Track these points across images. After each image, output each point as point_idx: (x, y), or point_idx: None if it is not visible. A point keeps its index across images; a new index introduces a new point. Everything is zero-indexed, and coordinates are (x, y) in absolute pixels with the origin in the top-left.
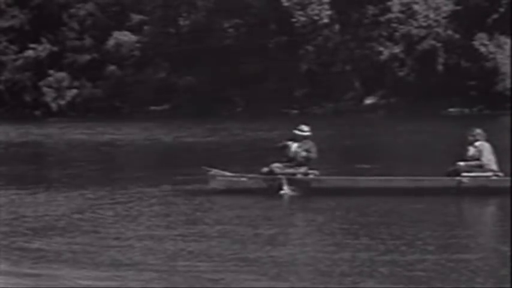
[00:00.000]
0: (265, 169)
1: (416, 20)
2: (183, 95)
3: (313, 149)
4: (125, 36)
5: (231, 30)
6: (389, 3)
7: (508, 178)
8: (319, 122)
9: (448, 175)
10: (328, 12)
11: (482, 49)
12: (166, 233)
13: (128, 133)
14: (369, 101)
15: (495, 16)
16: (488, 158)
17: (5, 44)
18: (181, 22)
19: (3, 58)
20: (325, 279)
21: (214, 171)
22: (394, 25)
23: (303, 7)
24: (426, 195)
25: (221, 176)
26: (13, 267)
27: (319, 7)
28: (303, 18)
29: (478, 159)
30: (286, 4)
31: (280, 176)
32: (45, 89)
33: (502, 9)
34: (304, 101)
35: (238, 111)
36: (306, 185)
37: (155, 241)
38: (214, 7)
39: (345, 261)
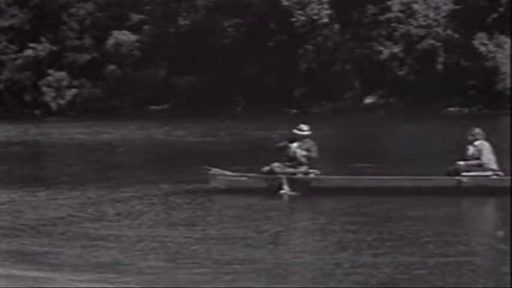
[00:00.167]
0: (265, 168)
1: (416, 19)
2: (182, 95)
3: (314, 149)
4: (124, 36)
5: (230, 29)
6: (389, 2)
7: (508, 177)
8: (319, 122)
9: (448, 174)
10: (328, 12)
11: (482, 48)
12: (168, 233)
13: (127, 133)
14: (368, 100)
15: (495, 15)
16: (488, 157)
17: (4, 43)
18: (181, 22)
19: (3, 57)
20: (327, 279)
21: (214, 170)
22: (394, 24)
23: (303, 6)
24: (426, 194)
25: (222, 176)
26: (12, 268)
27: (319, 6)
28: (302, 18)
29: (477, 159)
30: (285, 3)
31: (280, 176)
32: (44, 89)
33: (501, 9)
34: (303, 101)
35: (238, 111)
36: (306, 185)
37: (156, 241)
38: (213, 7)
39: (347, 261)
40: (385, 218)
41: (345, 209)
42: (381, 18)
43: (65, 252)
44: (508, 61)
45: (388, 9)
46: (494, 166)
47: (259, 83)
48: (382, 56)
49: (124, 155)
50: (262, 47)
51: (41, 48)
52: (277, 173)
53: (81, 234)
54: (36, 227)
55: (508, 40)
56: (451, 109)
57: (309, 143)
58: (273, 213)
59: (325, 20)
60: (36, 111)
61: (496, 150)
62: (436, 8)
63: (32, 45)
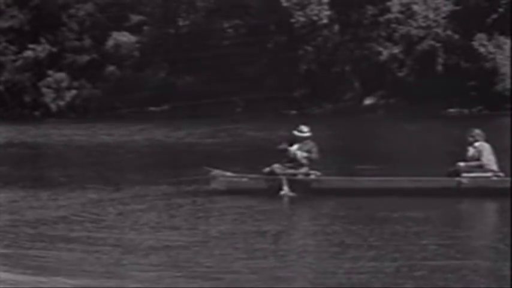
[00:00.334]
0: (266, 169)
1: (415, 20)
2: (182, 96)
3: (314, 150)
4: (124, 37)
5: (230, 30)
6: (388, 3)
7: (508, 178)
8: (319, 123)
9: (449, 175)
10: (328, 13)
11: (482, 49)
12: (169, 234)
13: (127, 134)
14: (368, 101)
15: (494, 16)
16: (488, 158)
17: (4, 44)
18: (181, 23)
19: (3, 59)
20: (329, 280)
21: (215, 171)
22: (394, 25)
23: (302, 7)
24: (426, 195)
25: (222, 177)
26: (12, 269)
27: (319, 7)
28: (302, 19)
29: (478, 160)
30: (285, 4)
31: (280, 177)
32: (44, 90)
33: (501, 10)
34: (303, 102)
35: (238, 112)
36: (307, 186)
37: (157, 242)
38: (213, 8)
39: (348, 262)
40: (386, 219)
41: (345, 210)
42: (381, 19)
43: (64, 255)
44: (507, 62)
45: (388, 10)
46: (494, 167)
47: (259, 84)
48: (382, 57)
49: (124, 156)
50: (261, 48)
51: (40, 49)
52: (277, 174)
53: (82, 235)
54: (35, 228)
55: (507, 41)
56: (450, 110)
57: (310, 144)
58: (273, 214)
59: (325, 21)
60: (36, 113)
61: (496, 151)
62: (436, 9)
63: (31, 46)
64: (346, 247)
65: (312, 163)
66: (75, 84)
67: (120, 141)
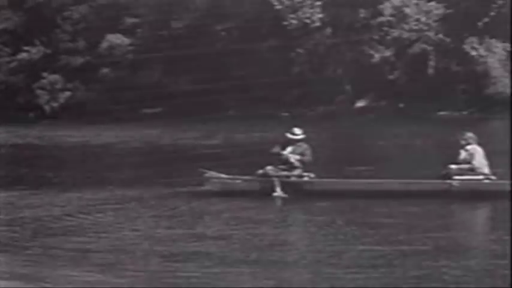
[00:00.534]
0: (260, 171)
1: (407, 23)
2: (175, 98)
3: (308, 152)
4: (118, 39)
5: (223, 33)
6: (380, 6)
7: (501, 181)
8: (311, 125)
9: (440, 178)
10: (320, 16)
11: (473, 53)
12: (163, 235)
13: (121, 135)
14: (360, 104)
15: (486, 20)
16: (480, 161)
17: None
18: (174, 25)
19: None
20: (324, 281)
21: (210, 173)
22: (385, 28)
23: (295, 10)
24: (417, 198)
25: (216, 178)
26: (11, 269)
27: (311, 10)
28: (294, 22)
29: (469, 163)
30: (278, 7)
31: (273, 178)
32: (38, 91)
33: (492, 13)
34: (295, 104)
35: (230, 114)
36: (299, 188)
37: (152, 242)
38: (206, 10)
39: (341, 263)
40: (377, 221)
41: (337, 212)
42: (373, 22)
43: (63, 254)
44: (498, 65)
45: (380, 14)
46: (486, 170)
47: (252, 86)
48: (374, 60)
49: (118, 157)
50: (254, 50)
51: (35, 51)
52: (270, 176)
53: (78, 236)
54: (33, 228)
55: (499, 44)
56: (442, 113)
57: (303, 147)
58: (266, 215)
59: (317, 23)
60: (30, 114)
61: (489, 154)
62: (428, 12)
63: (26, 48)
64: (340, 249)
65: (305, 165)
66: (69, 86)
67: (114, 142)
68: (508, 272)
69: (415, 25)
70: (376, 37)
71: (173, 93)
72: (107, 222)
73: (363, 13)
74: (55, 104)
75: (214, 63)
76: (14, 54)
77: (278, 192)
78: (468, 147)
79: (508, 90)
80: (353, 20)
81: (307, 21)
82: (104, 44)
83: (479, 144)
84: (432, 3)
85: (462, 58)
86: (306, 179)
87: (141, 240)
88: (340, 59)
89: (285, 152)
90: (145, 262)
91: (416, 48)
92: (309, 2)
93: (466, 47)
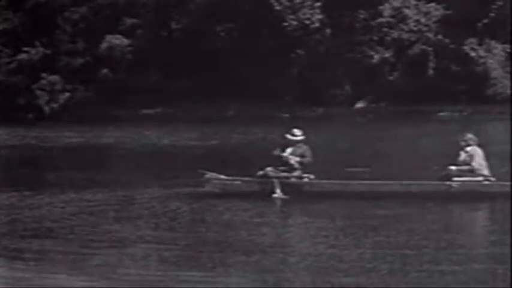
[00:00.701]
0: (260, 172)
1: (407, 24)
2: (175, 99)
3: (308, 153)
4: (117, 40)
5: (222, 34)
6: (380, 8)
7: (500, 183)
8: (310, 126)
9: (440, 179)
10: (320, 17)
11: (473, 54)
12: (165, 236)
13: (120, 136)
14: (359, 105)
15: (485, 21)
16: (480, 163)
17: None
18: (174, 26)
19: None
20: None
21: (210, 174)
22: (385, 29)
23: (295, 11)
24: (417, 199)
25: (216, 179)
26: (10, 271)
27: (311, 11)
28: (294, 22)
29: (469, 164)
30: (277, 8)
31: (273, 180)
32: (38, 92)
33: (492, 14)
34: (295, 105)
35: (230, 115)
36: (299, 189)
37: (152, 244)
38: (206, 11)
39: (342, 265)
40: (377, 222)
41: (337, 213)
42: (372, 23)
43: (62, 255)
44: (498, 66)
45: (380, 15)
46: (485, 172)
47: (251, 87)
48: (373, 61)
49: (118, 158)
50: (254, 51)
51: (34, 52)
52: (270, 177)
53: (77, 237)
54: (32, 230)
55: (498, 45)
56: (441, 114)
57: (303, 148)
58: (267, 216)
59: (317, 24)
60: (30, 115)
61: (488, 155)
62: (427, 14)
63: (25, 49)
64: (341, 251)
65: (305, 166)
66: (69, 87)
67: (113, 143)
68: (508, 272)
69: (415, 26)
70: (375, 38)
71: (172, 94)
72: (104, 223)
73: (362, 14)
74: (55, 105)
75: (213, 63)
76: (13, 55)
77: (278, 193)
78: (468, 148)
79: (507, 91)
80: (353, 21)
81: (307, 22)
82: (104, 45)
83: (479, 145)
84: (432, 4)
85: (462, 59)
86: (305, 180)
87: (138, 242)
88: (339, 60)
89: (285, 154)
90: (147, 264)
91: (416, 49)
92: (308, 3)
93: (466, 48)
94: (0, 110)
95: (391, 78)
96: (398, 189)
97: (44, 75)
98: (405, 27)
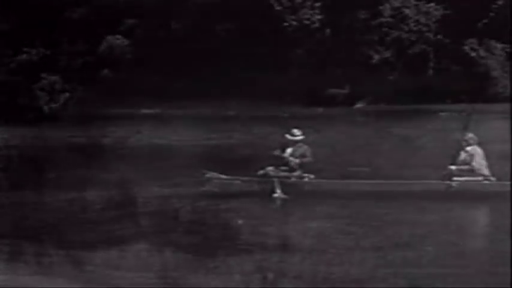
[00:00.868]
0: (260, 172)
1: (407, 24)
2: (175, 98)
3: (308, 153)
4: (117, 40)
5: (222, 33)
6: (380, 7)
7: (500, 183)
8: (310, 126)
9: (441, 179)
10: (320, 17)
11: (473, 54)
12: (164, 236)
13: (120, 136)
14: (359, 104)
15: (485, 21)
16: (480, 162)
17: None
18: (173, 25)
19: None
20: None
21: (210, 173)
22: (385, 29)
23: (295, 11)
24: (417, 198)
25: (217, 179)
26: (9, 273)
27: (311, 11)
28: (294, 23)
29: (469, 164)
30: (277, 8)
31: (274, 179)
32: (38, 92)
33: (492, 14)
34: (295, 105)
35: (229, 114)
36: (299, 188)
37: (153, 245)
38: (206, 11)
39: (342, 264)
40: (378, 222)
41: (338, 213)
42: (372, 23)
43: (61, 255)
44: (498, 66)
45: (380, 14)
46: (485, 171)
47: (251, 87)
48: (373, 61)
49: (117, 158)
50: (254, 51)
51: (34, 52)
52: (271, 177)
53: (78, 238)
54: (30, 230)
55: (498, 45)
56: (441, 113)
57: (303, 148)
58: (267, 216)
59: (317, 25)
60: (30, 115)
61: (488, 155)
62: (427, 13)
63: (25, 49)
64: (341, 251)
65: (305, 166)
66: (69, 87)
67: (113, 143)
68: (508, 272)
69: (415, 26)
70: (375, 38)
71: (172, 94)
72: (105, 222)
73: (362, 14)
74: (54, 105)
75: (213, 63)
76: (13, 55)
77: (278, 193)
78: (468, 148)
79: (507, 91)
80: (353, 21)
81: (307, 22)
82: (104, 45)
83: (480, 145)
84: (432, 4)
85: (462, 59)
86: (306, 179)
87: (138, 242)
88: (339, 60)
89: (285, 155)
90: (147, 264)
91: (416, 49)
92: (308, 3)
93: (466, 48)
94: (0, 110)
95: (391, 78)
96: (399, 189)
97: (44, 75)
98: (405, 27)
